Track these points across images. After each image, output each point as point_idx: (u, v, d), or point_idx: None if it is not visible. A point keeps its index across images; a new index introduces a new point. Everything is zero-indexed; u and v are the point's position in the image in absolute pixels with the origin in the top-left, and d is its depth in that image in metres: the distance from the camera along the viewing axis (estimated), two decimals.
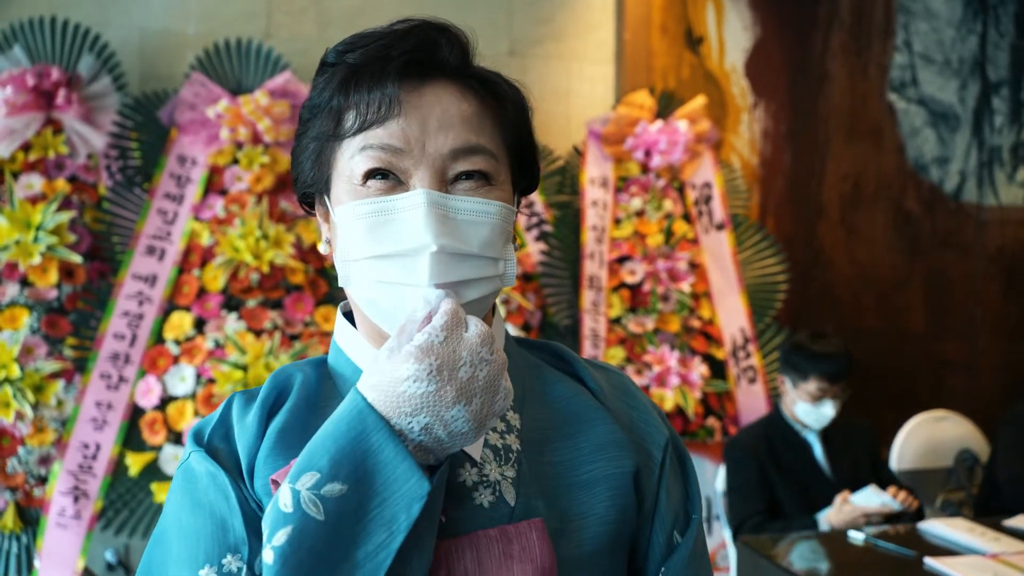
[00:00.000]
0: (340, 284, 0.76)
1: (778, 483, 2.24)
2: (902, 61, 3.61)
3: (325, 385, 0.77)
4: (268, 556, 0.61)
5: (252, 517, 0.70)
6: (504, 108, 0.77)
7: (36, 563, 2.43)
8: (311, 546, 0.61)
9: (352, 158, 0.73)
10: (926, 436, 2.79)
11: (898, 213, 3.63)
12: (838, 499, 2.10)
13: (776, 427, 2.34)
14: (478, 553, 0.68)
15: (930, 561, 1.67)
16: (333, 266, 0.78)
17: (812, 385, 2.24)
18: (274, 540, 0.61)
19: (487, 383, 0.65)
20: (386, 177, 0.72)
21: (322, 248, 0.79)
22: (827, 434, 2.34)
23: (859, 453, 2.33)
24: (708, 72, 3.37)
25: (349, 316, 0.82)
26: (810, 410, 2.26)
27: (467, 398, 0.64)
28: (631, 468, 0.78)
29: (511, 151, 0.78)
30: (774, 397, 3.00)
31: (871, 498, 2.09)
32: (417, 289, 0.70)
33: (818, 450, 2.32)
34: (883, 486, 2.30)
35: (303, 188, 0.79)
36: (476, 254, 0.72)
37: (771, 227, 3.42)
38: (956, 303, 3.69)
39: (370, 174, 0.72)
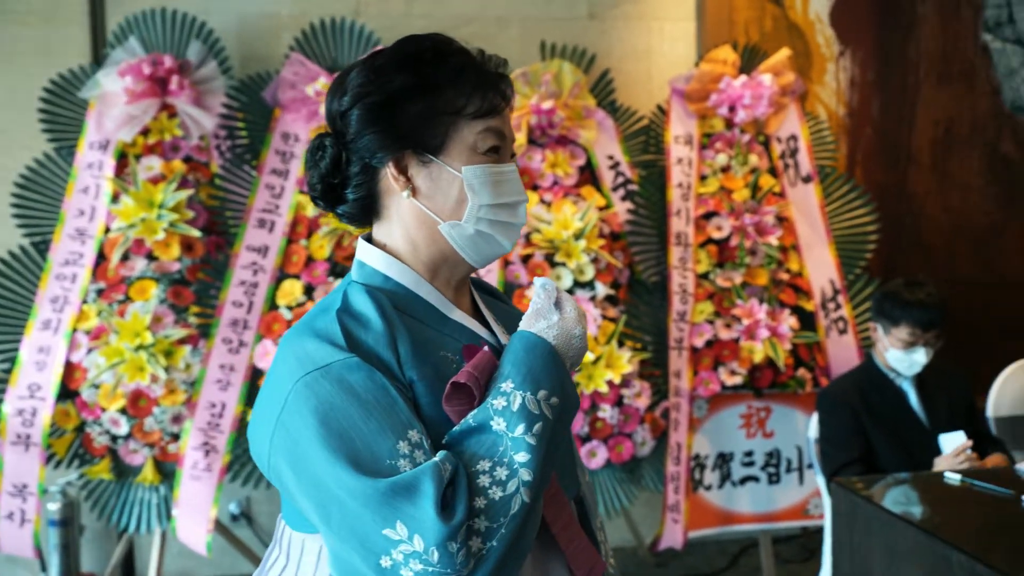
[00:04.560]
0: (429, 223, 1.01)
1: (873, 431, 2.27)
2: None
3: (390, 307, 0.99)
4: (532, 440, 0.90)
5: (410, 404, 0.92)
6: None
7: (174, 512, 2.67)
8: (549, 435, 0.92)
9: (477, 134, 1.00)
10: (1022, 383, 2.76)
11: (994, 157, 3.54)
12: (936, 461, 2.12)
13: (869, 375, 2.36)
14: None
15: None
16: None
17: (903, 331, 2.25)
18: (534, 430, 0.91)
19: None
20: (497, 152, 1.02)
21: (405, 194, 1.01)
22: (922, 381, 2.34)
23: (955, 400, 2.33)
24: (792, 23, 3.34)
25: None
26: (902, 357, 2.27)
27: (584, 345, 1.01)
28: None
29: None
30: (866, 347, 3.01)
31: (949, 445, 2.10)
32: (517, 227, 1.04)
33: (913, 397, 2.33)
34: (976, 436, 2.31)
35: (397, 146, 0.99)
36: None
37: (860, 177, 3.39)
38: None
39: (492, 148, 1.01)
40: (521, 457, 0.89)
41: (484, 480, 0.88)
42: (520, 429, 0.90)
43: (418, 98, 0.98)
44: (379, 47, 2.82)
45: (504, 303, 1.19)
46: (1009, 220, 3.56)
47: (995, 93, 3.52)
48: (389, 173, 1.01)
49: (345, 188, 1.03)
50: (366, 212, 1.05)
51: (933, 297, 2.27)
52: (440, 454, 0.88)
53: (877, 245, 3.12)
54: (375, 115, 0.99)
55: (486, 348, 0.98)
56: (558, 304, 1.00)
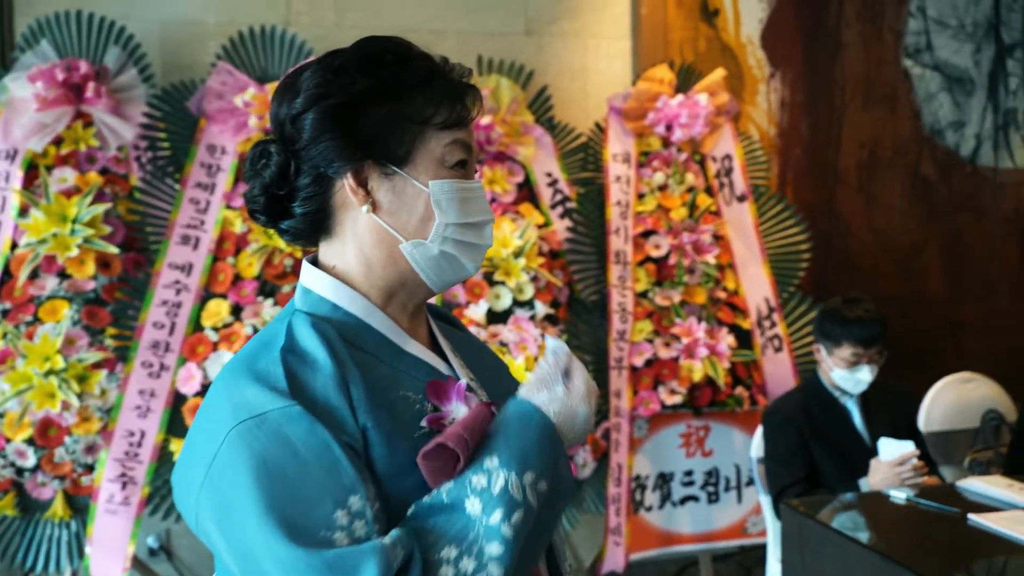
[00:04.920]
0: (390, 241, 0.91)
1: (816, 450, 2.26)
2: (916, 27, 3.62)
3: (339, 341, 0.88)
4: (508, 531, 0.79)
5: (357, 463, 0.80)
6: None
7: (87, 549, 2.48)
8: (530, 525, 0.82)
9: (446, 146, 0.92)
10: (953, 398, 2.82)
11: (915, 179, 3.66)
12: (873, 463, 2.14)
13: (815, 394, 2.35)
14: None
15: (974, 517, 1.72)
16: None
17: (846, 351, 2.25)
18: (513, 519, 0.80)
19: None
20: (465, 167, 0.94)
21: (364, 209, 0.90)
22: (866, 401, 2.35)
23: (898, 419, 2.33)
24: (725, 44, 3.38)
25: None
26: (847, 376, 2.26)
27: (589, 427, 0.91)
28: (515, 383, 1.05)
29: None
30: (800, 365, 3.04)
31: (891, 451, 2.11)
32: (482, 248, 0.95)
33: (857, 417, 2.33)
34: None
35: (355, 157, 0.89)
36: None
37: (790, 196, 3.45)
38: (974, 266, 3.73)
39: (459, 163, 0.93)
40: (493, 549, 0.78)
41: (447, 572, 0.77)
42: (497, 516, 0.79)
43: (383, 103, 0.90)
44: (311, 57, 2.73)
45: (461, 331, 1.10)
46: (929, 240, 3.67)
47: (916, 117, 3.65)
48: (347, 185, 0.91)
49: (292, 201, 0.92)
50: (315, 228, 0.94)
51: (871, 313, 2.27)
52: (393, 534, 0.77)
53: (808, 264, 3.17)
54: (334, 120, 0.89)
55: (483, 404, 0.87)
56: (567, 373, 0.89)
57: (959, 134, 3.69)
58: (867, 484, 2.15)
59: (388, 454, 0.82)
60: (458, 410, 0.87)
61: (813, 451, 2.27)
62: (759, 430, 2.54)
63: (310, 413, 0.79)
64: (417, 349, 0.93)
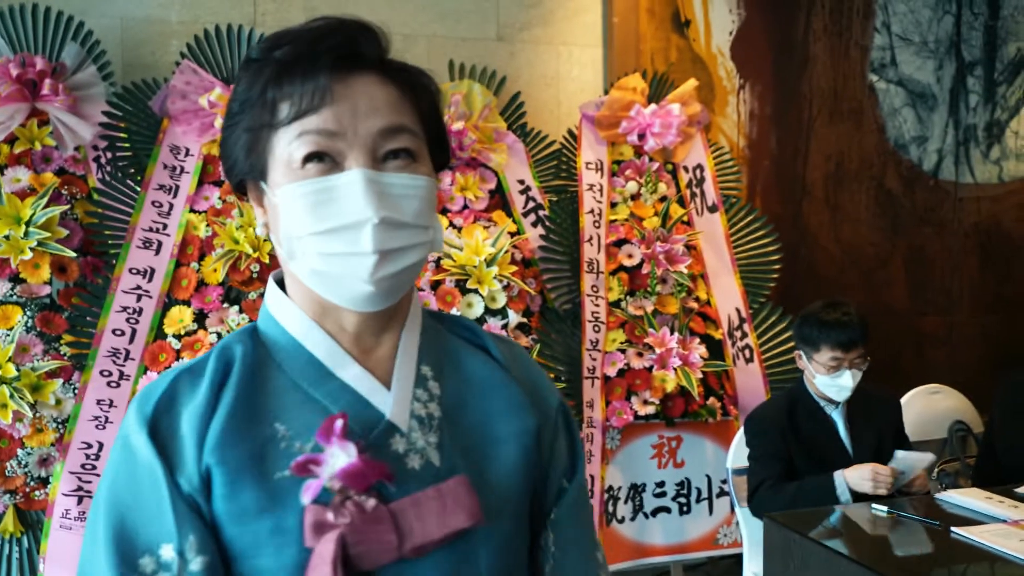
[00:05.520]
0: (284, 260, 0.85)
1: (797, 455, 2.22)
2: (881, 42, 3.67)
3: (259, 351, 0.84)
4: None
5: (182, 509, 0.76)
6: (417, 93, 0.86)
7: (40, 567, 2.36)
8: None
9: (290, 144, 0.79)
10: (921, 409, 2.86)
11: (880, 192, 3.70)
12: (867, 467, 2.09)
13: (800, 401, 2.31)
14: (420, 510, 0.77)
15: (957, 530, 1.72)
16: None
17: (825, 355, 2.21)
18: None
19: None
20: (323, 160, 0.79)
21: (259, 231, 0.87)
22: (851, 409, 2.32)
23: (883, 426, 2.29)
24: (695, 55, 3.38)
25: (281, 284, 0.90)
26: (828, 382, 2.23)
27: None
28: (535, 425, 0.89)
29: (427, 130, 0.86)
30: (770, 376, 3.04)
31: (903, 461, 2.10)
32: (362, 257, 0.77)
33: (841, 427, 2.30)
34: None
35: (237, 177, 0.86)
36: (410, 223, 0.80)
37: (759, 208, 3.46)
38: (935, 279, 3.78)
39: (309, 157, 0.79)
40: None
41: None
42: None
43: (244, 116, 0.83)
44: None
45: (485, 348, 0.93)
46: (894, 252, 3.72)
47: (880, 131, 3.70)
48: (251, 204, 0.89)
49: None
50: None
51: (851, 316, 2.23)
52: None
53: (777, 275, 3.18)
54: (224, 142, 0.87)
55: (362, 460, 0.75)
56: None
57: (922, 149, 3.75)
58: (840, 476, 2.11)
59: (228, 495, 0.76)
60: (336, 456, 0.75)
61: (794, 457, 2.23)
62: (735, 441, 2.53)
63: (157, 444, 0.78)
64: (354, 375, 0.82)
